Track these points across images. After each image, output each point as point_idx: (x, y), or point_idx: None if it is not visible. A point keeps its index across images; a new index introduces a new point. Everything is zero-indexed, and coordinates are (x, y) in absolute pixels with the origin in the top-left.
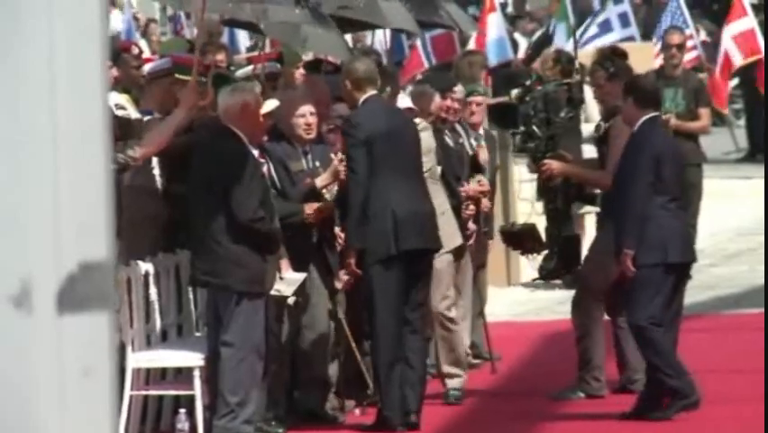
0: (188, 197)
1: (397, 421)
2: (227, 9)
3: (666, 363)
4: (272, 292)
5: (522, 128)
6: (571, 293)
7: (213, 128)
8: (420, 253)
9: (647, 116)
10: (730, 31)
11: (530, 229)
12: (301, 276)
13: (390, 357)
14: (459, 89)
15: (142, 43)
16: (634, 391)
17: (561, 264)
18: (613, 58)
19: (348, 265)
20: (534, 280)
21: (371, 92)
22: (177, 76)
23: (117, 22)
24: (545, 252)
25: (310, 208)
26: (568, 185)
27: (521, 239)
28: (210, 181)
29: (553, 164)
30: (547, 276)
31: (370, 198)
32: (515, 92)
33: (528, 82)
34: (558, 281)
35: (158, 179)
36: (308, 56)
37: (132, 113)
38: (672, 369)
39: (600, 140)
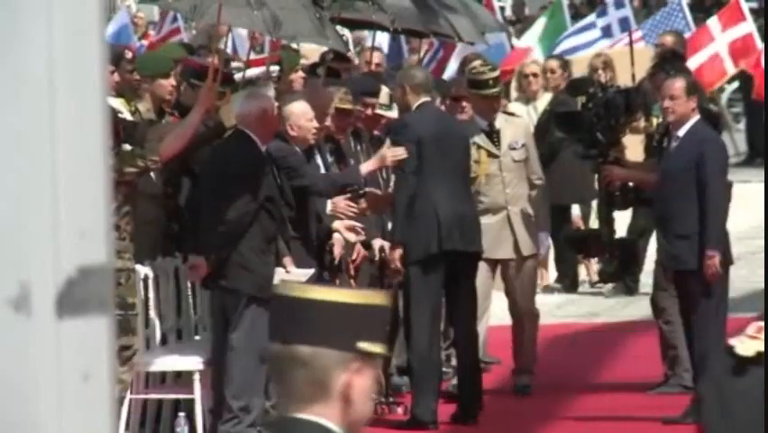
0: (200, 199)
1: (429, 419)
2: (241, 21)
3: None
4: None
5: (586, 135)
6: (569, 297)
7: (229, 132)
8: (461, 255)
9: (699, 117)
10: (726, 37)
11: (594, 234)
12: (309, 271)
13: (425, 354)
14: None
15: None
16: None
17: (621, 268)
18: (673, 60)
19: (391, 261)
20: (595, 283)
21: (425, 98)
22: (191, 81)
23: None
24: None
25: (340, 202)
26: (626, 189)
27: (586, 244)
28: (223, 184)
29: (614, 169)
30: (608, 279)
31: (415, 198)
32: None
33: (592, 89)
34: (558, 285)
35: (155, 182)
36: (308, 60)
37: (127, 116)
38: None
39: (661, 141)
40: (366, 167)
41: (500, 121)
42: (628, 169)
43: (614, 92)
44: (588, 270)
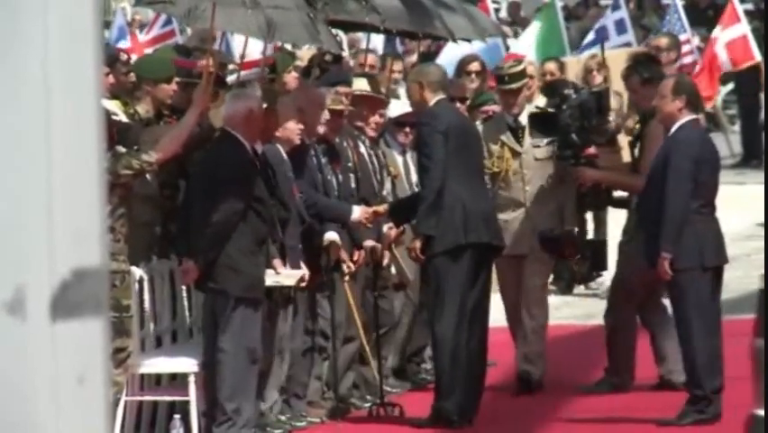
0: (189, 201)
1: (454, 413)
2: (235, 26)
3: (700, 369)
4: (271, 283)
5: (559, 136)
6: (565, 299)
7: (216, 133)
8: (485, 248)
9: (690, 118)
10: (723, 37)
11: (569, 234)
12: (299, 272)
13: (453, 348)
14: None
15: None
16: (673, 385)
17: (592, 268)
18: (647, 63)
19: (413, 250)
20: (569, 284)
21: (442, 96)
22: (177, 79)
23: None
24: (578, 256)
25: (365, 212)
26: (598, 190)
27: (560, 244)
28: (211, 186)
29: (586, 171)
30: (581, 280)
31: (441, 190)
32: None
33: (566, 91)
34: (553, 287)
35: (151, 184)
36: (303, 61)
37: (123, 118)
38: (703, 377)
39: (633, 143)
40: (357, 214)
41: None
42: (601, 170)
43: (587, 94)
44: None
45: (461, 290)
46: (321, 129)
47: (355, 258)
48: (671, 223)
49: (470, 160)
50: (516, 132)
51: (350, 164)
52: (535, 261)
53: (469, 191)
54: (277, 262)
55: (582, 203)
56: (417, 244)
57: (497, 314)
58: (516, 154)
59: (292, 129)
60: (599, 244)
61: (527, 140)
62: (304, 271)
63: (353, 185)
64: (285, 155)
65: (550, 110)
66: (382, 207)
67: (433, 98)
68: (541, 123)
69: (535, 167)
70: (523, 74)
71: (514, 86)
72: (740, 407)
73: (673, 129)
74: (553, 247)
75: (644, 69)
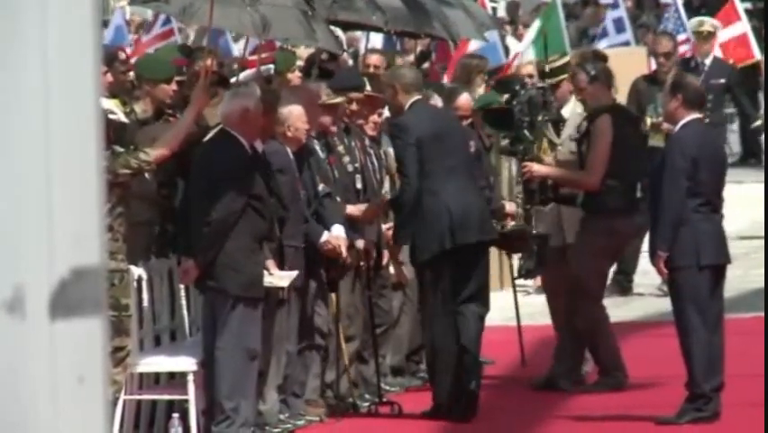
0: (188, 200)
1: (449, 409)
2: (230, 23)
3: (698, 367)
4: (264, 284)
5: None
6: None
7: (214, 132)
8: (476, 246)
9: (691, 117)
10: (722, 36)
11: (521, 231)
12: (292, 273)
13: (443, 348)
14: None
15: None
16: None
17: (538, 263)
18: (594, 60)
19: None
20: (515, 279)
21: (417, 96)
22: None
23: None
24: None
25: (357, 210)
26: (545, 186)
27: (510, 240)
28: (209, 184)
29: (534, 166)
30: (526, 275)
31: (423, 197)
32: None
33: (518, 87)
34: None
35: (150, 183)
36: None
37: (122, 117)
38: (701, 375)
39: (581, 140)
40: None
41: (571, 110)
42: (550, 166)
43: (533, 89)
44: None
45: (449, 293)
46: (324, 123)
47: (362, 263)
48: (664, 221)
49: (450, 159)
50: (557, 124)
51: (357, 165)
52: (565, 255)
53: (453, 192)
54: (270, 262)
55: (529, 198)
56: (400, 255)
57: (496, 313)
58: (552, 146)
59: (302, 130)
60: (543, 240)
61: (566, 132)
62: (297, 272)
63: (359, 185)
64: (291, 155)
65: (501, 105)
66: (380, 201)
67: (408, 100)
68: (495, 118)
69: (569, 159)
70: (564, 68)
71: (555, 80)
72: (740, 405)
73: (677, 128)
74: (503, 243)
75: (590, 66)
